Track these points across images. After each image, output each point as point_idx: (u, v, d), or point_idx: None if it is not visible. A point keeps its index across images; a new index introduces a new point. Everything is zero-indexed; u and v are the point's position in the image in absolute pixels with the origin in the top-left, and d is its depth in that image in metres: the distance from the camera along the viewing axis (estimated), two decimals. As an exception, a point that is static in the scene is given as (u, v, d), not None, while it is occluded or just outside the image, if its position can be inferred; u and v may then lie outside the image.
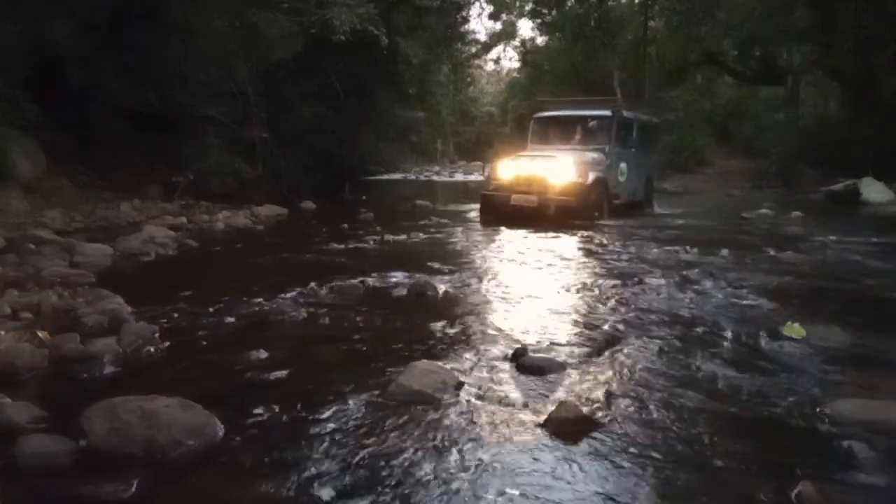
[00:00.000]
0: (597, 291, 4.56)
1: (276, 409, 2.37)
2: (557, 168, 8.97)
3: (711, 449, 2.13)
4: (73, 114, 10.20)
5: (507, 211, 9.00)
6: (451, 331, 3.50)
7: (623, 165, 10.19)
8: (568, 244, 7.22)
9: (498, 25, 37.67)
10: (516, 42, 39.33)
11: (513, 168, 9.38)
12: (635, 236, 7.70)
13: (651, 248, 6.65)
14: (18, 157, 9.10)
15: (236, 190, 11.59)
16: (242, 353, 3.00)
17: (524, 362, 2.89)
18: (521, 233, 8.02)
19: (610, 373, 2.83)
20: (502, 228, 8.43)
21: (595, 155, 9.57)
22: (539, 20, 34.31)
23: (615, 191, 9.89)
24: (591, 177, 9.01)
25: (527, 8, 34.27)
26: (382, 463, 1.98)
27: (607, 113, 10.25)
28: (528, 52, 38.26)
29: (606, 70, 29.65)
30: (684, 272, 5.20)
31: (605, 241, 7.29)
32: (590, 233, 8.00)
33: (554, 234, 7.81)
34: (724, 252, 6.29)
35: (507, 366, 2.89)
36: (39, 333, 2.99)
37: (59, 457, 1.96)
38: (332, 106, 14.15)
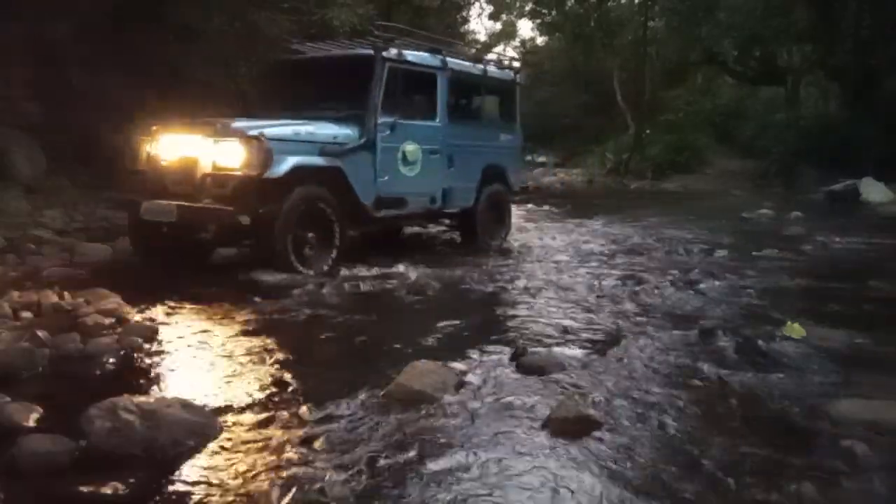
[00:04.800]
0: (596, 291, 4.56)
1: (276, 409, 2.37)
2: (213, 147, 4.61)
3: (711, 449, 2.12)
4: (74, 114, 10.21)
5: (144, 230, 4.93)
6: (451, 331, 3.50)
7: (411, 148, 5.72)
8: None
9: (498, 25, 37.73)
10: (516, 42, 39.39)
11: (153, 150, 4.95)
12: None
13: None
14: (18, 157, 9.09)
15: (236, 189, 11.58)
16: (243, 353, 2.99)
17: (524, 362, 2.89)
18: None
19: (610, 373, 2.82)
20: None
21: (326, 126, 5.18)
22: (539, 20, 34.35)
23: (385, 191, 5.49)
24: (288, 164, 4.56)
25: (527, 8, 34.32)
26: (382, 463, 1.98)
27: (367, 52, 5.63)
28: (528, 52, 38.29)
29: (606, 70, 29.71)
30: (684, 272, 5.20)
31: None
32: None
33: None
34: (724, 252, 6.29)
35: (507, 365, 2.89)
36: (39, 333, 2.99)
37: (59, 457, 1.96)
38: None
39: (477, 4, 30.28)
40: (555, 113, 34.36)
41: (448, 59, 6.29)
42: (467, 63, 6.77)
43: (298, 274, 4.57)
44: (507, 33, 38.63)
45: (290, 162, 4.61)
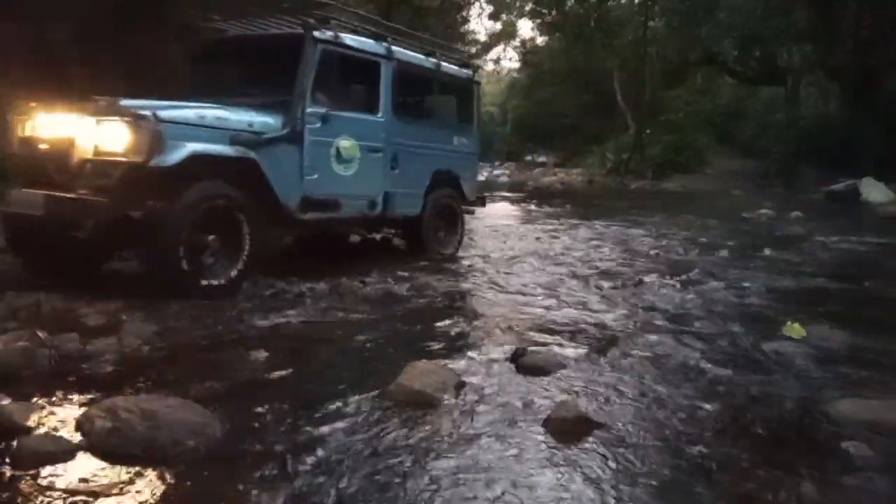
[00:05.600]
0: (597, 291, 4.56)
1: (276, 409, 2.37)
2: (94, 128, 3.91)
3: (711, 449, 2.12)
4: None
5: (18, 226, 4.33)
6: (451, 331, 3.50)
7: (347, 144, 5.06)
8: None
9: (498, 25, 37.77)
10: (516, 42, 39.44)
11: (30, 132, 4.25)
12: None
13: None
14: (18, 158, 9.10)
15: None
16: (242, 353, 3.00)
17: (524, 362, 2.89)
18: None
19: (610, 373, 2.83)
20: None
21: (241, 111, 4.46)
22: (539, 20, 34.42)
23: (314, 191, 4.81)
24: (183, 152, 3.89)
25: (527, 8, 34.39)
26: (382, 463, 1.98)
27: (296, 32, 5.03)
28: (528, 52, 38.34)
29: (606, 70, 29.75)
30: (684, 272, 5.20)
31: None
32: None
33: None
34: (724, 252, 6.29)
35: (507, 366, 2.89)
36: (39, 333, 2.99)
37: (59, 457, 1.96)
38: (332, 106, 14.16)
39: (477, 4, 30.34)
40: (555, 113, 34.43)
41: (394, 47, 5.59)
42: (418, 55, 6.03)
43: (194, 287, 3.90)
44: (507, 33, 38.65)
45: (188, 149, 3.91)
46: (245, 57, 5.37)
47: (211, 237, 4.06)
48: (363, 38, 5.38)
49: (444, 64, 6.30)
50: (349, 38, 5.17)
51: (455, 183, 6.38)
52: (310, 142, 4.74)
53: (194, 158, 3.92)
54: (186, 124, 4.04)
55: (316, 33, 4.84)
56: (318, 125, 4.78)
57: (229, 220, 4.14)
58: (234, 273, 4.14)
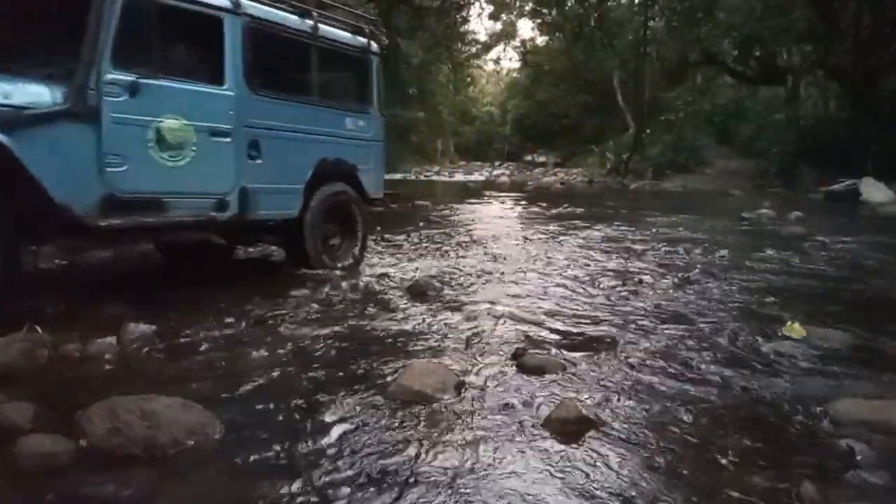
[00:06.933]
0: (597, 291, 4.56)
1: (276, 409, 2.37)
2: None
3: (711, 449, 2.13)
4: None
5: None
6: (451, 331, 3.50)
7: (173, 125, 3.82)
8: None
9: (498, 25, 37.88)
10: (516, 42, 39.52)
11: None
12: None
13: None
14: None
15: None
16: (242, 353, 3.00)
17: (524, 362, 2.89)
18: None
19: (610, 373, 2.83)
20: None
21: None
22: (539, 20, 34.47)
23: (123, 188, 3.59)
24: None
25: (527, 8, 34.44)
26: (382, 463, 1.98)
27: None
28: (528, 52, 38.41)
29: (606, 70, 29.79)
30: (684, 272, 5.20)
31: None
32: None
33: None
34: (724, 252, 6.30)
35: (507, 366, 2.89)
36: (39, 333, 2.99)
37: (59, 457, 1.96)
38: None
39: (477, 4, 30.38)
40: (555, 113, 34.52)
41: (247, 1, 4.31)
42: (284, 13, 4.66)
43: None
44: (507, 33, 38.74)
45: None
46: (27, 12, 4.09)
47: None
48: None
49: (324, 27, 4.95)
50: None
51: (350, 175, 5.21)
52: (111, 120, 3.51)
53: None
54: None
55: None
56: (124, 98, 3.57)
57: None
58: None
